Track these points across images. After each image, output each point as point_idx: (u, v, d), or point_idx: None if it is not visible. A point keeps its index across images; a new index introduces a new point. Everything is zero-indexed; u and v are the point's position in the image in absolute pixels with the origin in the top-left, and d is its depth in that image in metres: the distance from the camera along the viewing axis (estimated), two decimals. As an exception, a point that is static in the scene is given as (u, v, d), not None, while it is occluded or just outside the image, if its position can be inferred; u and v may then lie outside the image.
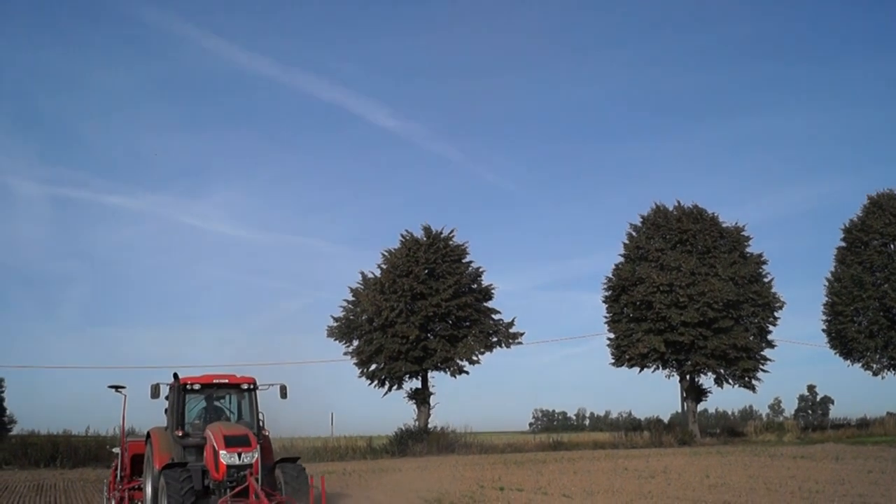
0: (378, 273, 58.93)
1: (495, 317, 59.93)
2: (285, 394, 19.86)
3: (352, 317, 58.82)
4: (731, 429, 72.90)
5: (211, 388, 19.73)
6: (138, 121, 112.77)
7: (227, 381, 19.66)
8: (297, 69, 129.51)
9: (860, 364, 63.88)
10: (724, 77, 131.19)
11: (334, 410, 58.89)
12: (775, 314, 62.76)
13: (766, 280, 62.86)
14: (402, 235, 59.93)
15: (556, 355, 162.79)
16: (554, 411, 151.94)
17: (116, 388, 22.41)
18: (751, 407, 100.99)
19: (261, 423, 19.78)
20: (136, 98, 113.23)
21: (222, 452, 17.31)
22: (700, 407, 67.59)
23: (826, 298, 65.17)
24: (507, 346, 59.84)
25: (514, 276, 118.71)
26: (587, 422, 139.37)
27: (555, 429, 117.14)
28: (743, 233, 63.84)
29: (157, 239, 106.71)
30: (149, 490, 18.92)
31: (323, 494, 18.06)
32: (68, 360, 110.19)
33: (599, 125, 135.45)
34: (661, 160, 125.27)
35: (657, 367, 63.75)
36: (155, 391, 19.29)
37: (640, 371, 63.81)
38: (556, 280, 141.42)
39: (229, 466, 17.28)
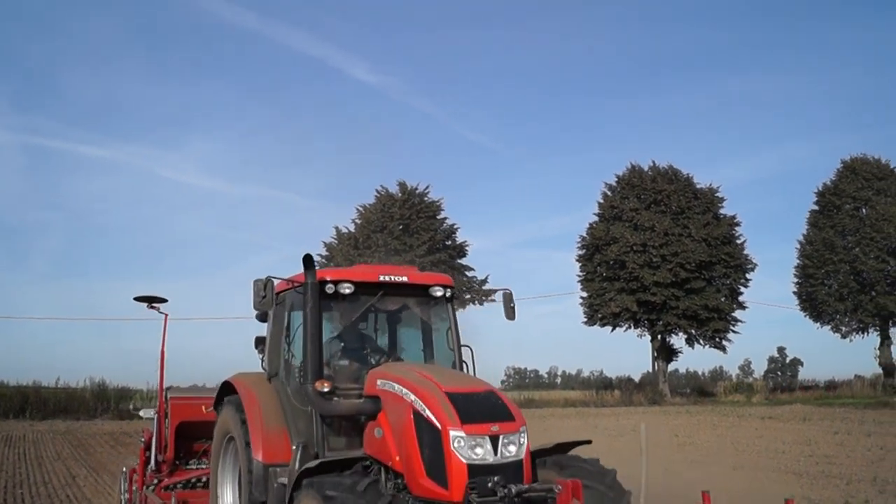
0: (352, 228, 58.85)
1: (469, 274, 60.09)
2: (513, 310, 10.62)
3: (325, 272, 58.72)
4: (700, 389, 73.56)
5: (370, 293, 9.63)
6: (115, 70, 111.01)
7: (404, 278, 9.81)
8: (275, 21, 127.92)
9: (829, 327, 64.75)
10: (703, 37, 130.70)
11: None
12: (747, 276, 63.28)
13: (738, 241, 63.16)
14: (378, 190, 59.91)
15: (528, 313, 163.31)
16: (526, 369, 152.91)
17: (151, 301, 13.99)
18: (721, 367, 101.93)
19: (467, 366, 10.07)
20: (113, 46, 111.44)
21: (456, 436, 7.67)
22: (671, 367, 68.24)
23: (798, 261, 65.64)
24: (481, 304, 60.09)
25: (490, 234, 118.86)
26: (559, 380, 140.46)
27: (526, 386, 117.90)
28: (717, 194, 63.95)
29: (132, 190, 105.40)
30: (228, 498, 10.41)
31: None
32: (39, 310, 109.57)
33: (579, 83, 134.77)
34: (639, 119, 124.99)
35: (629, 327, 64.18)
36: (263, 294, 8.95)
37: (613, 330, 64.29)
38: (530, 238, 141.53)
39: (475, 469, 7.60)
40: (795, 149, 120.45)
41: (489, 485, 7.44)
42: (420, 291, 10.00)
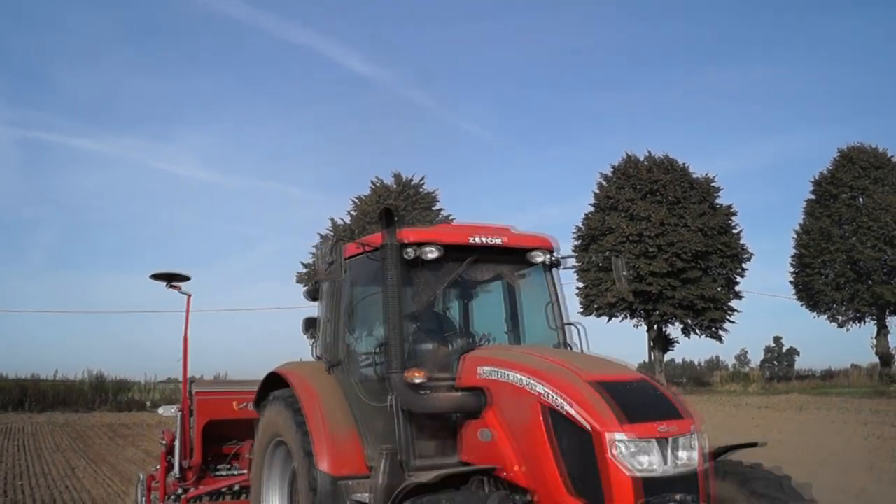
0: (348, 220, 58.75)
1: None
2: (625, 279, 8.99)
3: (322, 263, 58.67)
4: (697, 378, 73.69)
5: (458, 259, 7.85)
6: (109, 63, 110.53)
7: (499, 240, 8.10)
8: (268, 11, 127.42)
9: (826, 316, 64.76)
10: (700, 27, 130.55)
11: (302, 356, 58.97)
12: (743, 265, 63.12)
13: (735, 231, 62.99)
14: (373, 182, 59.69)
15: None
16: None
17: (171, 280, 11.79)
18: (717, 357, 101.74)
19: (572, 349, 8.30)
20: (106, 40, 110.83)
21: (617, 440, 5.90)
22: (667, 357, 68.35)
23: (794, 251, 65.62)
24: (476, 295, 60.05)
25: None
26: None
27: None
28: (713, 184, 63.77)
29: (127, 183, 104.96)
30: None
31: None
32: (36, 304, 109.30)
33: (577, 75, 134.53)
34: (635, 111, 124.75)
35: (625, 317, 64.14)
36: (330, 259, 7.14)
37: (609, 320, 64.16)
38: (526, 229, 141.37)
39: (643, 483, 5.85)
40: (792, 139, 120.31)
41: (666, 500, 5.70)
42: (517, 257, 8.29)
